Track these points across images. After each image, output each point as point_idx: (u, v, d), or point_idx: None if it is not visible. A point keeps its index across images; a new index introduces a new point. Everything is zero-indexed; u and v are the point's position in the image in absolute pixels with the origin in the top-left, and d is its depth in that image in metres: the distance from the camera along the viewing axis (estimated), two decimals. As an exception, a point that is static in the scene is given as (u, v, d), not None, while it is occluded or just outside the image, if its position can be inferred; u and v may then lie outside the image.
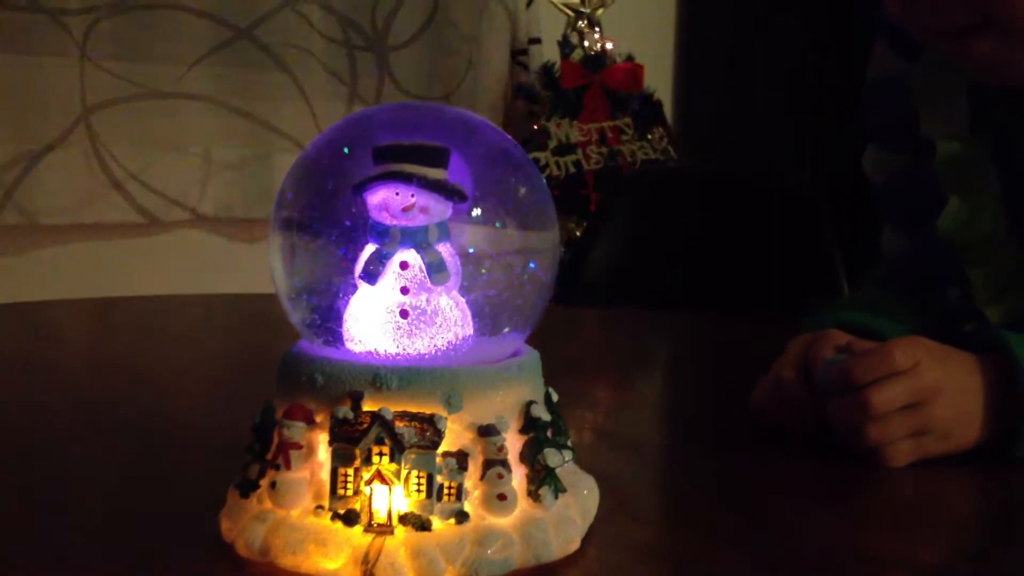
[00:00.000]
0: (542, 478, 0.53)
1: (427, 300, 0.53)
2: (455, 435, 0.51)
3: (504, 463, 0.51)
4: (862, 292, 1.02)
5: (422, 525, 0.50)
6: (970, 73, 0.84)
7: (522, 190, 0.55)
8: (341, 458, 0.50)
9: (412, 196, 0.52)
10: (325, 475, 0.51)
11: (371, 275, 0.53)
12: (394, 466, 0.50)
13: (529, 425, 0.54)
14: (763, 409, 0.80)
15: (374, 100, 2.46)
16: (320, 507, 0.51)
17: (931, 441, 0.72)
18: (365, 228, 0.53)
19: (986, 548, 0.62)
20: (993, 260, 0.86)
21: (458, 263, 0.53)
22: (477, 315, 0.54)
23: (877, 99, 0.95)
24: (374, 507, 0.50)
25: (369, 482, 0.50)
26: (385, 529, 0.50)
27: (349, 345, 0.54)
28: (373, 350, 0.53)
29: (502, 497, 0.51)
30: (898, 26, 0.90)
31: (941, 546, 0.61)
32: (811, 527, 0.62)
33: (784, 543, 0.59)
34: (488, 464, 0.51)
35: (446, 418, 0.51)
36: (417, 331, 0.53)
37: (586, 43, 2.60)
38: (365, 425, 0.50)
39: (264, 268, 0.57)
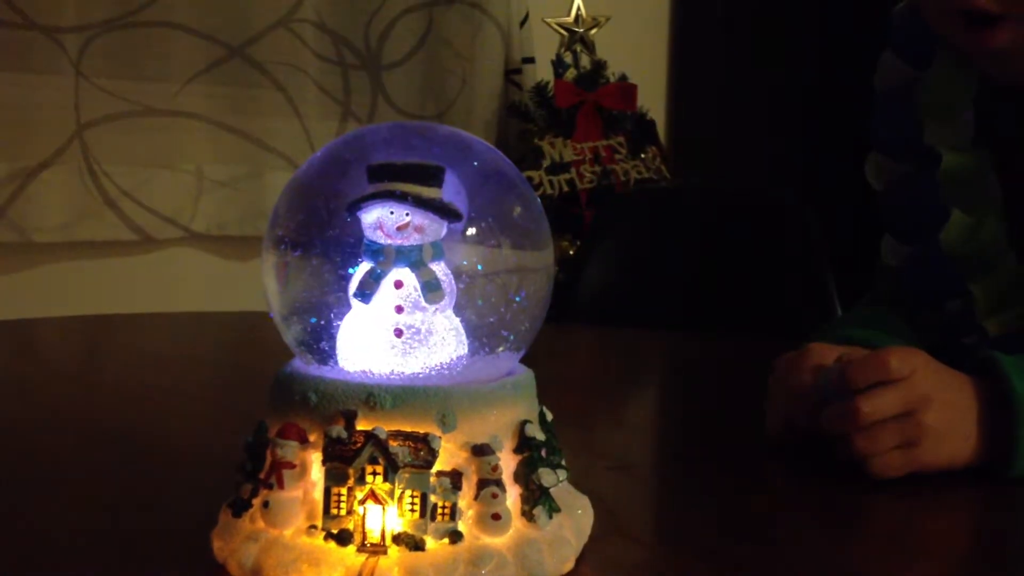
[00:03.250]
0: (536, 498, 0.53)
1: (421, 319, 0.53)
2: (449, 454, 0.51)
3: (498, 483, 0.51)
4: (861, 309, 1.02)
5: (416, 545, 0.49)
6: (984, 67, 0.84)
7: (517, 209, 0.55)
8: (334, 477, 0.50)
9: (407, 215, 0.52)
10: (318, 495, 0.51)
11: (365, 294, 0.53)
12: (388, 485, 0.49)
13: (523, 444, 0.54)
14: (779, 429, 0.80)
15: (367, 118, 2.47)
16: (313, 527, 0.51)
17: (923, 452, 0.71)
18: (359, 247, 0.53)
19: (979, 572, 0.62)
20: (993, 272, 0.86)
21: (452, 282, 0.53)
22: (471, 334, 0.54)
23: (884, 108, 0.95)
24: (367, 527, 0.50)
25: (363, 502, 0.49)
26: (379, 549, 0.49)
27: (343, 364, 0.54)
28: (367, 369, 0.53)
29: (496, 517, 0.51)
30: (908, 35, 0.90)
31: (935, 570, 0.61)
32: (805, 548, 0.62)
33: (777, 564, 0.59)
34: (482, 484, 0.51)
35: (440, 437, 0.51)
36: (411, 350, 0.53)
37: (579, 62, 2.61)
38: (359, 444, 0.50)
39: (257, 286, 0.57)
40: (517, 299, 0.55)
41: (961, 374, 0.74)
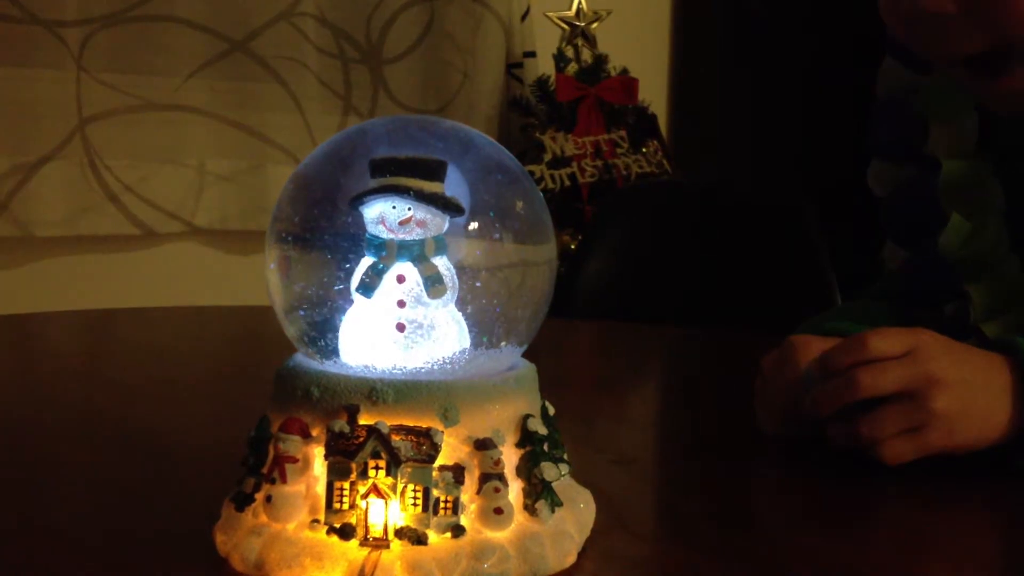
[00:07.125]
0: (539, 492, 0.53)
1: (424, 314, 0.53)
2: (451, 449, 0.51)
3: (501, 477, 0.51)
4: (851, 304, 1.01)
5: (418, 539, 0.50)
6: (997, 106, 0.79)
7: (519, 203, 0.55)
8: (337, 472, 0.50)
9: (409, 209, 0.52)
10: (321, 489, 0.51)
11: (367, 288, 0.53)
12: (390, 480, 0.49)
13: (526, 439, 0.54)
14: (771, 423, 0.79)
15: (369, 112, 2.47)
16: (316, 521, 0.51)
17: (933, 437, 0.68)
18: (361, 241, 0.53)
19: (991, 570, 0.61)
20: (994, 277, 0.86)
21: (455, 276, 0.53)
22: (474, 328, 0.54)
23: (885, 114, 0.94)
24: (370, 521, 0.50)
25: (365, 496, 0.50)
26: (381, 543, 0.50)
27: (345, 358, 0.54)
28: (369, 364, 0.53)
29: (498, 511, 0.51)
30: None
31: (941, 567, 0.61)
32: (808, 544, 0.62)
33: (780, 560, 0.59)
34: (484, 478, 0.51)
35: (442, 432, 0.51)
36: (413, 345, 0.53)
37: (581, 56, 2.61)
38: (361, 439, 0.50)
39: (260, 280, 0.57)
40: (520, 293, 0.55)
41: (984, 351, 0.71)
